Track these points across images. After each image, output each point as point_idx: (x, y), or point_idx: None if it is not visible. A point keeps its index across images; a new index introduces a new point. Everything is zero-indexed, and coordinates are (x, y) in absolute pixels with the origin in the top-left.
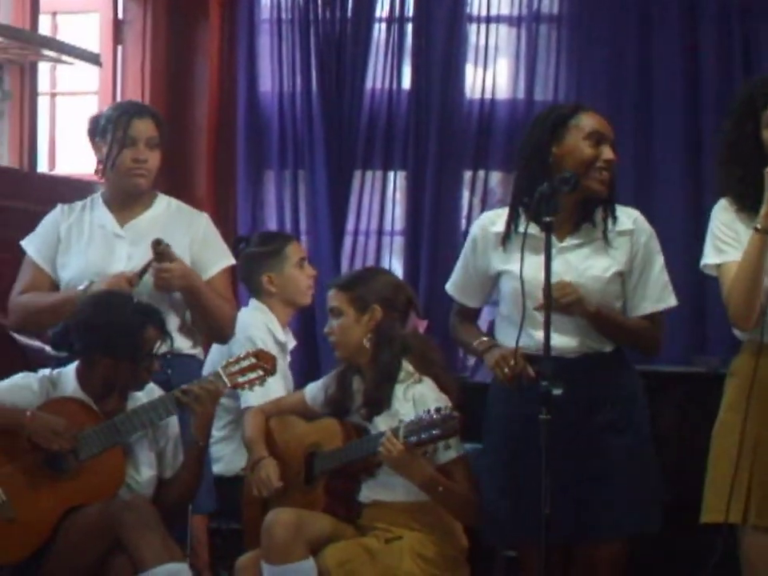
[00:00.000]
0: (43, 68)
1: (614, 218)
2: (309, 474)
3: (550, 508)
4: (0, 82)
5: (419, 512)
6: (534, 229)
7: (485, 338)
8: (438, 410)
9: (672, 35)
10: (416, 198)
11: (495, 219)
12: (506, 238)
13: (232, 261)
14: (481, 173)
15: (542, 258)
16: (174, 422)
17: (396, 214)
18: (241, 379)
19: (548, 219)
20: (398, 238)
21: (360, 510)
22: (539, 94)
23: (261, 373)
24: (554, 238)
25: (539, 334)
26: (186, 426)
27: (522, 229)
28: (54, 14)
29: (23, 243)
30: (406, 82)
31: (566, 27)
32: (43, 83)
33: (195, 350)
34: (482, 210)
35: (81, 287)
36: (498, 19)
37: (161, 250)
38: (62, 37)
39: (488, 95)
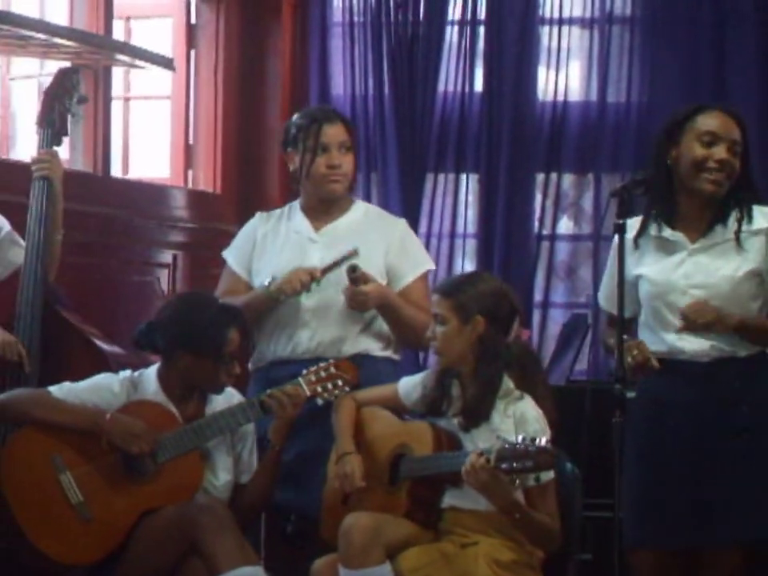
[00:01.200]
0: (117, 72)
1: (750, 218)
2: (393, 474)
3: (672, 515)
4: (77, 85)
5: (499, 521)
6: (666, 232)
7: (626, 337)
8: (533, 440)
9: (747, 36)
10: (488, 201)
11: (633, 224)
12: (638, 242)
13: (430, 266)
14: (553, 175)
15: (673, 260)
16: (251, 427)
17: (468, 216)
18: (320, 388)
19: (620, 222)
20: (471, 241)
21: (440, 516)
22: (612, 96)
23: (340, 383)
24: (685, 240)
25: (670, 338)
26: (264, 431)
27: (653, 232)
28: (128, 18)
29: (224, 253)
30: (479, 85)
31: (639, 29)
32: (117, 88)
33: (386, 352)
34: (555, 212)
35: (265, 283)
36: (571, 21)
37: (355, 277)
38: (135, 41)
39: (560, 97)
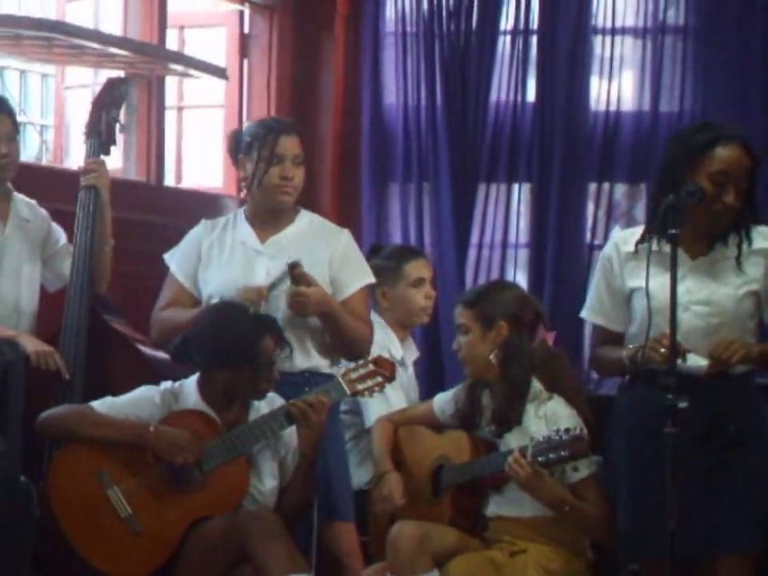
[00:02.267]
0: (170, 82)
1: (749, 240)
2: (436, 486)
3: (674, 523)
4: (125, 96)
5: (545, 526)
6: (665, 246)
7: (630, 346)
8: (566, 430)
9: None
10: (540, 211)
11: (628, 238)
12: (636, 255)
13: (371, 279)
14: (605, 185)
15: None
16: (292, 431)
17: (520, 226)
18: (360, 386)
19: (673, 231)
20: (523, 251)
21: (485, 523)
22: (664, 105)
23: (380, 379)
24: (686, 256)
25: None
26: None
27: (654, 246)
28: (181, 28)
29: (166, 257)
30: (531, 95)
31: (692, 38)
32: (170, 97)
33: (332, 369)
34: (607, 222)
35: (205, 306)
36: (624, 31)
37: (297, 273)
38: (188, 51)
39: (613, 107)
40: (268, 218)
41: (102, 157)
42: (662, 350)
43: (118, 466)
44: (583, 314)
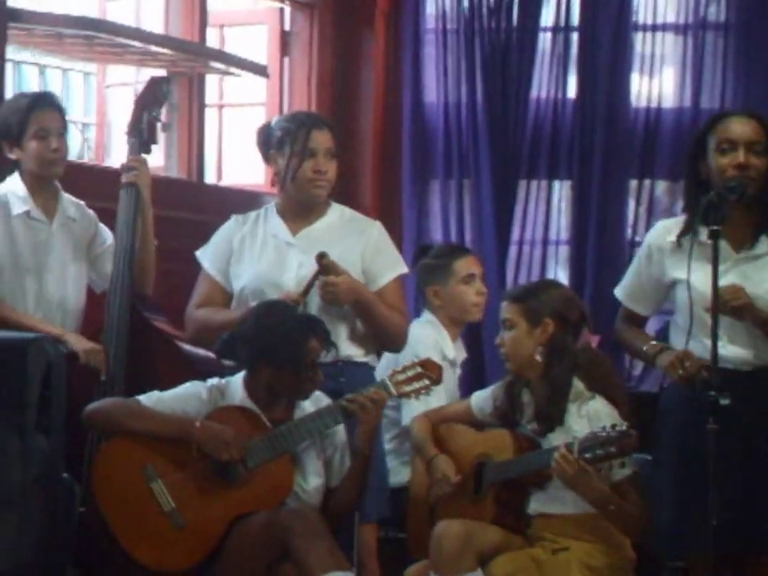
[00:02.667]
0: (211, 80)
1: None
2: (478, 483)
3: (718, 519)
4: (167, 95)
5: (587, 524)
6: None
7: (654, 342)
8: (614, 426)
9: None
10: (581, 208)
11: (672, 228)
12: (680, 247)
13: (404, 269)
14: (646, 182)
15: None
16: (341, 430)
17: (561, 223)
18: (407, 388)
19: (715, 228)
20: (563, 248)
21: (528, 521)
22: (705, 102)
23: (427, 382)
24: (730, 249)
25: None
26: (353, 435)
27: (702, 237)
28: (222, 26)
29: (198, 254)
30: (572, 91)
31: (733, 34)
32: (211, 95)
33: (367, 358)
34: (648, 219)
35: (254, 305)
36: (665, 27)
37: (325, 263)
38: (229, 49)
39: (654, 104)
40: (300, 211)
41: (143, 155)
42: (681, 371)
43: (163, 460)
44: (617, 291)
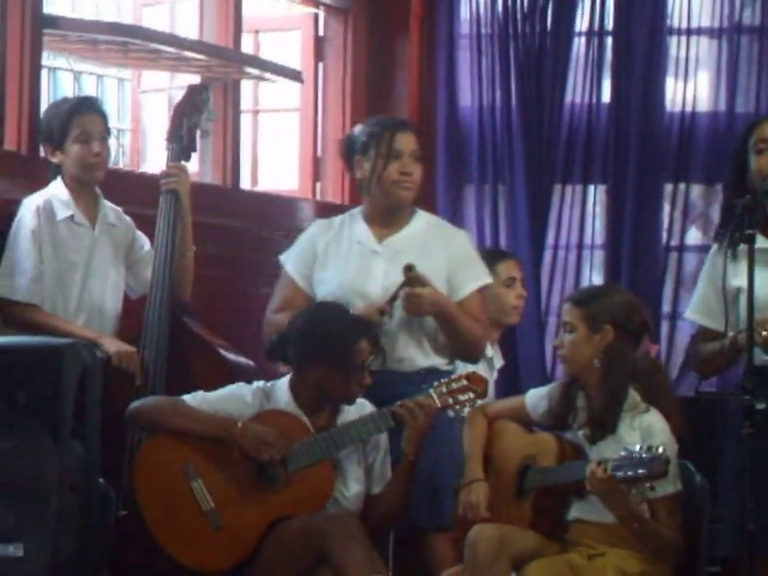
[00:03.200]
0: (246, 85)
1: None
2: (520, 486)
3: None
4: (207, 102)
5: (624, 531)
6: (764, 243)
7: (730, 334)
8: (649, 448)
9: None
10: (616, 212)
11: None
12: (740, 253)
13: (487, 280)
14: (681, 186)
15: None
16: (383, 437)
17: (596, 227)
18: (451, 400)
19: (749, 232)
20: (598, 252)
21: (565, 527)
22: (740, 106)
23: (471, 395)
24: None
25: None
26: (397, 442)
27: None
28: (256, 32)
29: (281, 258)
30: (606, 96)
31: None
32: (246, 101)
33: (450, 367)
34: (683, 223)
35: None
36: (699, 31)
37: (412, 276)
38: (263, 54)
39: (689, 108)
40: (385, 217)
41: (183, 162)
42: (764, 332)
43: (204, 460)
44: (687, 314)
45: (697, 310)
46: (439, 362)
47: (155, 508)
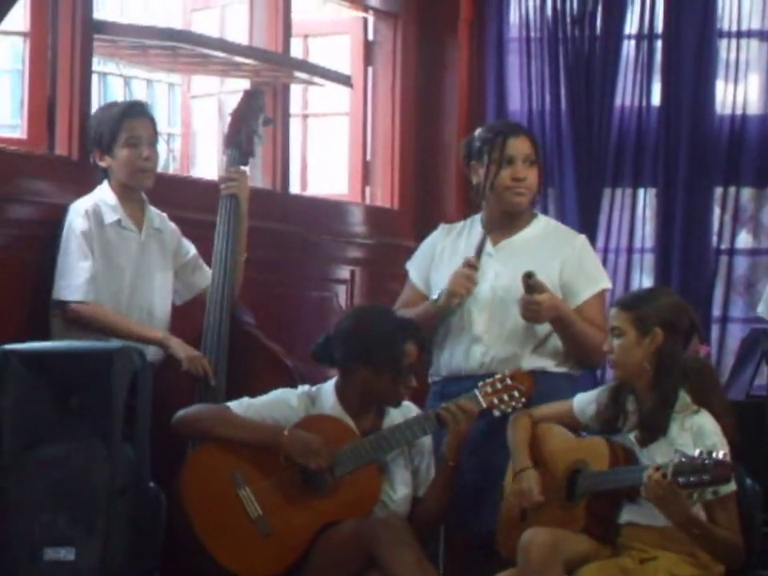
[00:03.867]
0: (295, 90)
1: None
2: (570, 490)
3: None
4: (263, 107)
5: (678, 536)
6: None
7: None
8: (710, 452)
9: None
10: (666, 215)
11: None
12: None
13: (606, 284)
14: (732, 189)
15: None
16: (428, 440)
17: (646, 231)
18: (496, 400)
19: None
20: (648, 256)
21: (617, 530)
22: None
23: (516, 394)
24: None
25: None
26: (440, 445)
27: None
28: (306, 36)
29: (407, 264)
30: (656, 99)
31: None
32: (295, 105)
33: (562, 368)
34: (734, 226)
35: (434, 296)
36: (749, 34)
37: (531, 283)
38: (313, 59)
39: (739, 111)
40: (503, 221)
41: (242, 167)
42: None
43: (251, 467)
44: (759, 309)
45: None
46: (547, 363)
47: (204, 517)
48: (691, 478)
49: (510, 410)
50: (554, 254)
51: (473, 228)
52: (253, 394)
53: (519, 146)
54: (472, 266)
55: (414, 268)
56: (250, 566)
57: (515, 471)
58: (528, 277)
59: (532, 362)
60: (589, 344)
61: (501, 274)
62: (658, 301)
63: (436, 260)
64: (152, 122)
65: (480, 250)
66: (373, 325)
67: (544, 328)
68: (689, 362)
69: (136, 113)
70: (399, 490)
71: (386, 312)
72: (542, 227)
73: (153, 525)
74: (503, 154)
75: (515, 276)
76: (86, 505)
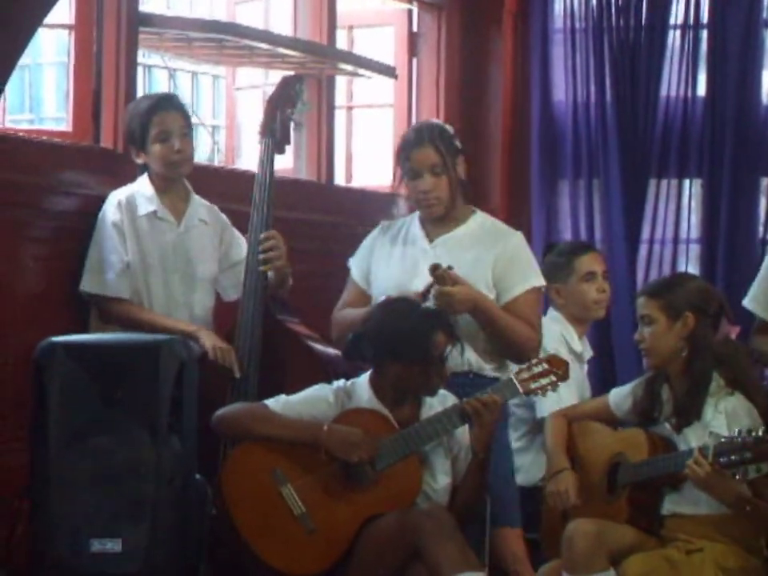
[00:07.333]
0: (340, 81)
1: None
2: (611, 483)
3: None
4: (300, 94)
5: (722, 524)
6: None
7: None
8: (749, 431)
9: None
10: (712, 206)
11: None
12: None
13: (539, 282)
14: None
15: None
16: (465, 428)
17: (692, 222)
18: (533, 385)
19: None
20: (694, 246)
21: (662, 521)
22: None
23: (553, 378)
24: None
25: None
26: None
27: None
28: (350, 28)
29: (349, 261)
30: (701, 89)
31: None
32: (340, 96)
33: (499, 373)
34: None
35: (380, 300)
36: None
37: (439, 274)
38: (357, 50)
39: None
40: (437, 220)
41: (277, 155)
42: None
43: (292, 464)
44: (745, 301)
45: (756, 299)
46: (487, 366)
47: (247, 515)
48: (733, 457)
49: (546, 394)
50: (489, 251)
51: (411, 225)
52: (287, 389)
53: (422, 159)
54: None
55: (355, 265)
56: (297, 564)
57: (551, 473)
58: (435, 269)
59: (474, 363)
60: (515, 338)
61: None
62: (686, 286)
63: (375, 256)
64: (182, 113)
65: (426, 293)
66: (399, 320)
67: (476, 327)
68: (721, 344)
69: (163, 106)
70: (440, 479)
71: (411, 305)
72: (479, 224)
73: (199, 517)
74: (408, 167)
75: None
76: (132, 497)
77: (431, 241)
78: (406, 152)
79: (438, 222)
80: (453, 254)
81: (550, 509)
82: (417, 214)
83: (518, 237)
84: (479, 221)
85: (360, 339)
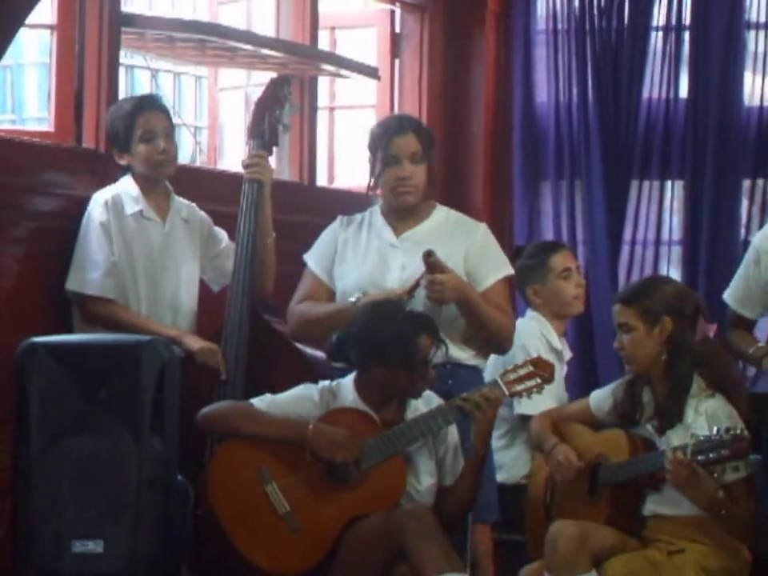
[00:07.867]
0: (322, 82)
1: None
2: (593, 484)
3: None
4: (288, 96)
5: (703, 525)
6: None
7: (762, 344)
8: (727, 429)
9: None
10: (694, 208)
11: None
12: None
13: (509, 271)
14: (759, 181)
15: None
16: (453, 430)
17: (674, 223)
18: (518, 387)
19: None
20: (676, 248)
21: (643, 522)
22: None
23: (538, 381)
24: None
25: None
26: (466, 435)
27: None
28: (333, 28)
29: (305, 257)
30: (683, 91)
31: None
32: (322, 97)
33: (476, 361)
34: (761, 219)
35: (352, 299)
36: None
37: (432, 262)
38: (340, 51)
39: (767, 102)
40: (402, 213)
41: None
42: None
43: (277, 463)
44: (725, 296)
45: (734, 295)
46: (465, 355)
47: (232, 514)
48: (711, 455)
49: (531, 396)
50: (458, 243)
51: (373, 218)
52: (273, 389)
53: (403, 145)
54: (402, 300)
55: (314, 260)
56: (281, 563)
57: (546, 450)
58: (428, 255)
59: (452, 353)
60: (494, 327)
61: (407, 264)
62: (661, 290)
63: (339, 252)
64: (165, 113)
65: (414, 289)
66: (383, 324)
67: (455, 315)
68: (700, 344)
69: (147, 107)
70: (424, 480)
71: (395, 309)
72: (444, 217)
73: (180, 518)
74: (387, 154)
75: (422, 266)
76: (113, 497)
77: (398, 236)
78: (385, 138)
79: (402, 216)
80: (423, 248)
81: (534, 507)
82: (377, 207)
83: (483, 228)
84: (442, 215)
85: (344, 342)
